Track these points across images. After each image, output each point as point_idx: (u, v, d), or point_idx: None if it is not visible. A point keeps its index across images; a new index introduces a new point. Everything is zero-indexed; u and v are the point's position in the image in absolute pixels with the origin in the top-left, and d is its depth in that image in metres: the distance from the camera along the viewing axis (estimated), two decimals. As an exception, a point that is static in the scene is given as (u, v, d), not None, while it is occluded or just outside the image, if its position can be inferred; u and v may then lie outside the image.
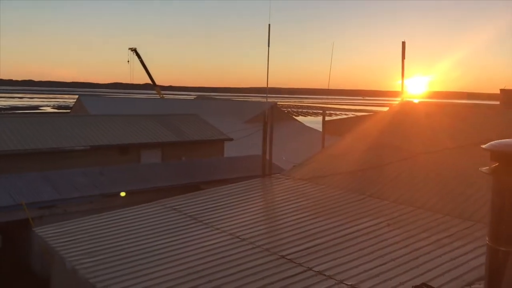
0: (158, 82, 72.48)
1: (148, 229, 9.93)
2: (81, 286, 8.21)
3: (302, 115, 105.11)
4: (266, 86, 14.91)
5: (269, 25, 13.37)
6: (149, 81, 71.41)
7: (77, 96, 48.89)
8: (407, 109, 15.90)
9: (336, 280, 7.20)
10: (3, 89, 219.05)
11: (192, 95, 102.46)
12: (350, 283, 7.05)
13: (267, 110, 14.86)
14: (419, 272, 7.40)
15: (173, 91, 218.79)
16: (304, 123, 49.84)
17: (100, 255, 8.72)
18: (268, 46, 13.44)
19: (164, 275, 7.73)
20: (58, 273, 10.12)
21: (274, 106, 41.09)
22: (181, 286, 7.29)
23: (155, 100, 56.51)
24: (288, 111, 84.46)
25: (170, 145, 21.98)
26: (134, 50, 66.23)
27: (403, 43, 15.69)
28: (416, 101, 17.39)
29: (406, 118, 15.38)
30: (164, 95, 71.97)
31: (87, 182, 15.73)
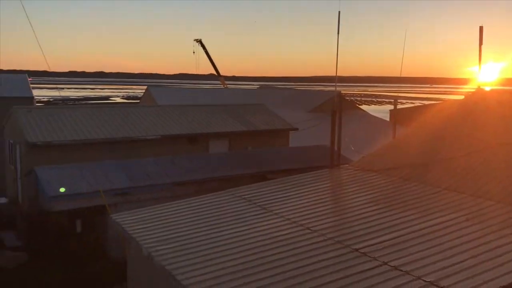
0: (221, 73, 73.39)
1: (219, 218, 10.09)
2: (157, 272, 8.49)
3: (365, 104, 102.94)
4: (330, 74, 14.71)
5: (339, 12, 13.10)
6: (214, 72, 72.45)
7: (144, 87, 50.62)
8: (479, 97, 15.05)
9: (414, 276, 6.95)
10: (77, 81, 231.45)
11: (255, 85, 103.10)
12: (428, 280, 6.79)
13: (335, 99, 14.60)
14: (503, 271, 6.99)
15: (236, 81, 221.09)
16: (368, 112, 48.66)
17: (175, 242, 8.96)
18: (338, 33, 13.18)
19: (236, 264, 7.81)
20: (134, 259, 10.52)
21: (339, 95, 40.40)
22: (254, 276, 7.33)
23: (219, 90, 57.33)
24: (351, 100, 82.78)
25: (237, 134, 22.19)
26: (199, 41, 67.38)
27: (481, 28, 14.80)
28: (488, 88, 16.43)
29: (478, 107, 14.56)
30: (227, 85, 72.89)
31: (159, 170, 16.26)
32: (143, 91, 49.63)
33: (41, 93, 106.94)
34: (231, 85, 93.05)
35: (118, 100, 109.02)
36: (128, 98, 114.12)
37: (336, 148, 13.98)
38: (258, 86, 72.83)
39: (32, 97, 28.86)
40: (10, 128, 20.32)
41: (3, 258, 14.52)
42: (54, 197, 14.08)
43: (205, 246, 8.68)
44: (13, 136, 19.54)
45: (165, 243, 9.00)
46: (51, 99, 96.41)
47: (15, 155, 19.25)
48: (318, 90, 63.16)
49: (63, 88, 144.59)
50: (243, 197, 11.35)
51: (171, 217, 10.41)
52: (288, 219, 9.69)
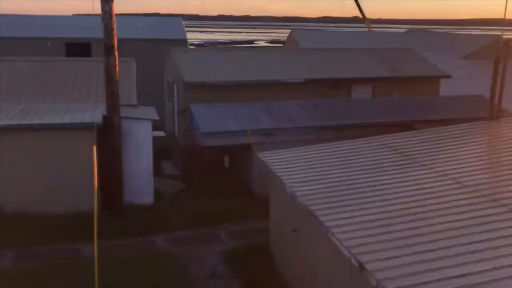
0: (367, 15, 70.09)
1: (363, 164, 10.00)
2: (300, 211, 8.82)
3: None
4: (488, 17, 13.03)
5: None
6: (359, 14, 69.55)
7: (288, 31, 50.72)
8: None
9: None
10: (225, 24, 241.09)
11: (403, 28, 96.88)
12: None
13: (500, 44, 13.08)
14: None
15: (383, 24, 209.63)
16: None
17: (318, 184, 9.16)
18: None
19: (381, 212, 7.74)
20: (277, 197, 11.02)
21: (503, 39, 36.05)
22: (399, 226, 7.21)
23: (364, 34, 55.11)
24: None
25: (381, 81, 21.33)
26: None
27: None
28: None
29: None
30: (373, 29, 69.63)
31: (302, 114, 16.51)
32: (287, 35, 49.83)
33: (193, 36, 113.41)
34: (377, 28, 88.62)
35: (263, 43, 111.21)
36: (272, 42, 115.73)
37: (496, 99, 12.69)
38: (406, 30, 68.39)
39: (186, 40, 30.90)
40: (169, 68, 22.14)
41: (163, 185, 16.34)
42: (206, 133, 15.21)
43: (348, 191, 8.72)
44: (172, 75, 21.29)
45: (308, 184, 9.25)
46: (201, 42, 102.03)
47: (173, 93, 21.04)
48: (475, 35, 57.15)
49: (213, 31, 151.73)
50: (388, 145, 11.04)
51: (314, 160, 10.60)
52: (437, 171, 9.21)
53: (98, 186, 9.21)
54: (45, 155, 13.36)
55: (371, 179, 9.15)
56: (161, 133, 20.45)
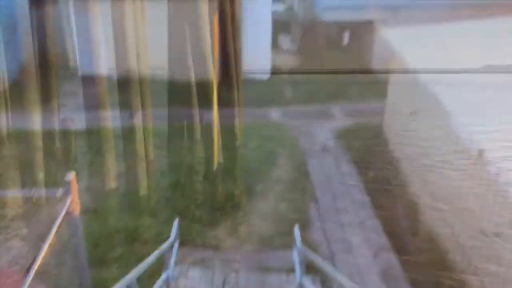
0: None
1: (499, 46, 8.97)
2: (420, 94, 8.38)
3: None
4: None
5: None
6: None
7: None
8: None
9: None
10: None
11: None
12: None
13: None
14: None
15: None
16: None
17: (445, 65, 8.50)
18: None
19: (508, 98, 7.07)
20: (397, 77, 10.51)
21: None
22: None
23: None
24: None
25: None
26: None
27: None
28: None
29: None
30: None
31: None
32: None
33: None
34: None
35: None
36: None
37: None
38: None
39: None
40: None
41: (278, 59, 16.32)
42: (326, 7, 14.51)
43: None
44: None
45: (433, 64, 8.62)
46: None
47: (295, -38, 19.94)
48: None
49: None
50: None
51: (443, 39, 9.73)
52: None
53: (218, 56, 9.44)
54: (166, 22, 13.80)
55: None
56: (279, 6, 19.94)
